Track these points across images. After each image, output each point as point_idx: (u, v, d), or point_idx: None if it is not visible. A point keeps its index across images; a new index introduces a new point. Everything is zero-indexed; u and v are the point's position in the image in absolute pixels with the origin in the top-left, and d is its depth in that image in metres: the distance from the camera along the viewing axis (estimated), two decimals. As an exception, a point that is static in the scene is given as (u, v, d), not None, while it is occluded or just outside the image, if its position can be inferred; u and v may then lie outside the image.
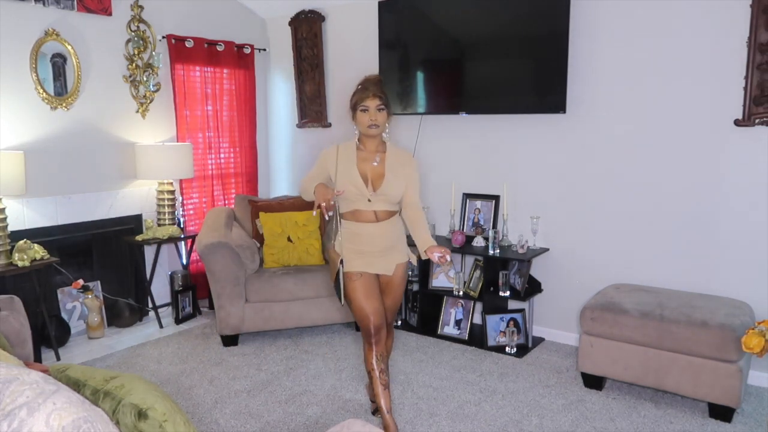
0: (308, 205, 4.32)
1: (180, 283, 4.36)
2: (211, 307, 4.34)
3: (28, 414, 1.04)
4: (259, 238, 4.19)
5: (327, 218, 2.60)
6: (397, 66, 4.30)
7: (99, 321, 4.01)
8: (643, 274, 3.52)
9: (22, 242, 3.46)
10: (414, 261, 2.74)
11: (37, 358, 3.44)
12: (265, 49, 5.15)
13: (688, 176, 3.34)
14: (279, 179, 5.38)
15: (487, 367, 3.52)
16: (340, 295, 2.64)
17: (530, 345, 3.80)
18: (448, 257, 2.54)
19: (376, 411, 2.92)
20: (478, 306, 3.99)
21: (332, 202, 2.52)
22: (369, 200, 2.55)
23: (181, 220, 4.48)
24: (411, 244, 2.73)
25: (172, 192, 4.32)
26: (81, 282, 3.92)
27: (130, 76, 4.21)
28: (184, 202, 4.59)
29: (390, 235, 2.62)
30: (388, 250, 2.63)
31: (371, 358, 2.58)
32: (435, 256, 2.55)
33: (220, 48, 4.67)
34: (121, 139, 4.20)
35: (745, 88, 3.07)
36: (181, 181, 4.52)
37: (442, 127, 4.22)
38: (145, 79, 4.28)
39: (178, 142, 4.46)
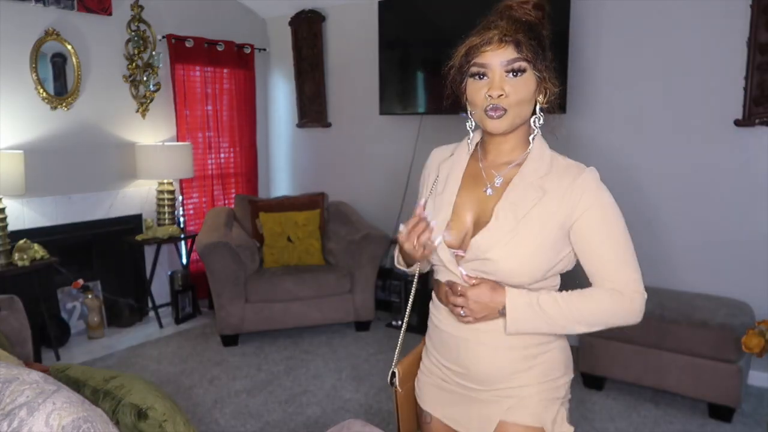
0: (307, 204, 4.33)
1: (180, 283, 4.36)
2: (211, 307, 4.33)
3: (28, 414, 1.04)
4: (259, 238, 4.19)
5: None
6: (397, 66, 4.29)
7: (99, 321, 4.01)
8: (644, 274, 3.52)
9: (22, 242, 3.46)
10: None
11: (37, 358, 3.44)
12: (265, 49, 5.15)
13: (688, 176, 3.34)
14: (279, 179, 5.38)
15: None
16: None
17: (530, 345, 3.80)
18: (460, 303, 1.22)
19: None
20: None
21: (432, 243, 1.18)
22: (460, 271, 1.24)
23: (181, 219, 4.48)
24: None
25: (172, 192, 4.32)
26: (81, 282, 3.92)
27: (130, 76, 4.21)
28: (184, 202, 4.59)
29: (505, 354, 1.24)
30: (489, 387, 1.27)
31: None
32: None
33: (220, 48, 4.67)
34: (121, 139, 4.19)
35: (745, 88, 3.07)
36: (181, 180, 4.52)
37: (443, 127, 4.22)
38: (145, 79, 4.28)
39: (178, 141, 4.46)
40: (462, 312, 1.22)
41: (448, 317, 1.29)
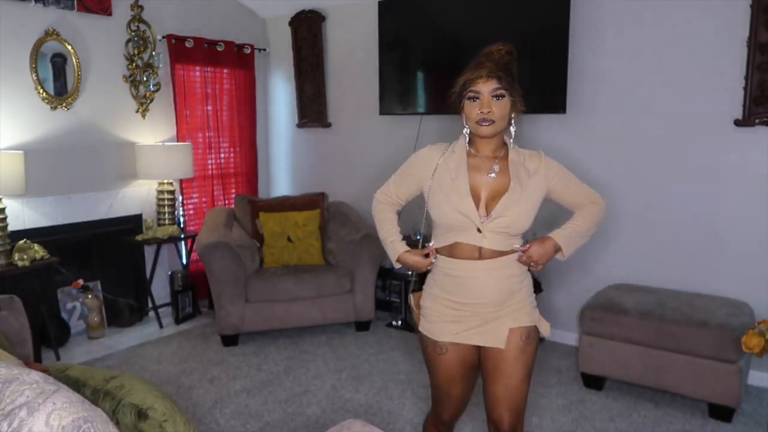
0: (307, 204, 4.33)
1: (180, 283, 4.36)
2: (211, 307, 4.33)
3: (28, 414, 1.04)
4: (259, 238, 4.19)
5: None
6: (397, 66, 4.29)
7: (99, 321, 4.01)
8: (643, 274, 3.52)
9: (22, 242, 3.46)
10: (546, 331, 1.91)
11: (37, 358, 3.44)
12: (265, 49, 5.15)
13: (688, 176, 3.34)
14: (279, 179, 5.38)
15: (487, 367, 3.52)
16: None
17: (530, 345, 3.81)
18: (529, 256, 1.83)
19: None
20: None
21: (432, 258, 1.88)
22: (479, 230, 1.77)
23: (181, 219, 4.48)
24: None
25: (172, 192, 4.32)
26: (81, 282, 3.92)
27: (130, 76, 4.21)
28: (184, 202, 4.59)
29: (505, 282, 1.81)
30: (499, 307, 1.83)
31: None
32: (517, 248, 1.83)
33: (220, 48, 4.67)
34: (121, 139, 4.20)
35: (745, 88, 3.07)
36: (181, 181, 4.52)
37: (442, 127, 4.22)
38: (145, 79, 4.28)
39: (178, 142, 4.46)
40: (533, 264, 1.83)
41: (465, 267, 1.80)
